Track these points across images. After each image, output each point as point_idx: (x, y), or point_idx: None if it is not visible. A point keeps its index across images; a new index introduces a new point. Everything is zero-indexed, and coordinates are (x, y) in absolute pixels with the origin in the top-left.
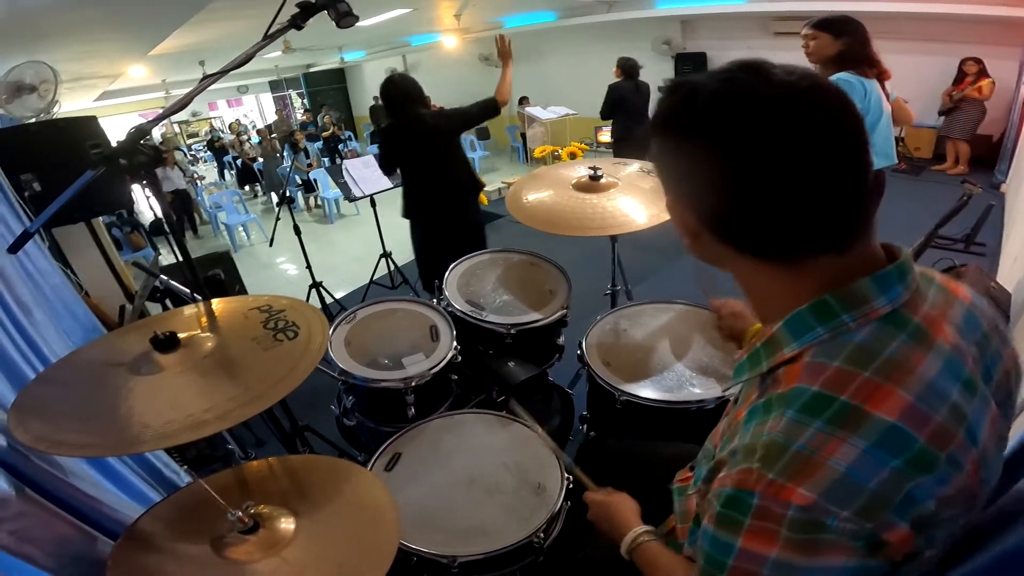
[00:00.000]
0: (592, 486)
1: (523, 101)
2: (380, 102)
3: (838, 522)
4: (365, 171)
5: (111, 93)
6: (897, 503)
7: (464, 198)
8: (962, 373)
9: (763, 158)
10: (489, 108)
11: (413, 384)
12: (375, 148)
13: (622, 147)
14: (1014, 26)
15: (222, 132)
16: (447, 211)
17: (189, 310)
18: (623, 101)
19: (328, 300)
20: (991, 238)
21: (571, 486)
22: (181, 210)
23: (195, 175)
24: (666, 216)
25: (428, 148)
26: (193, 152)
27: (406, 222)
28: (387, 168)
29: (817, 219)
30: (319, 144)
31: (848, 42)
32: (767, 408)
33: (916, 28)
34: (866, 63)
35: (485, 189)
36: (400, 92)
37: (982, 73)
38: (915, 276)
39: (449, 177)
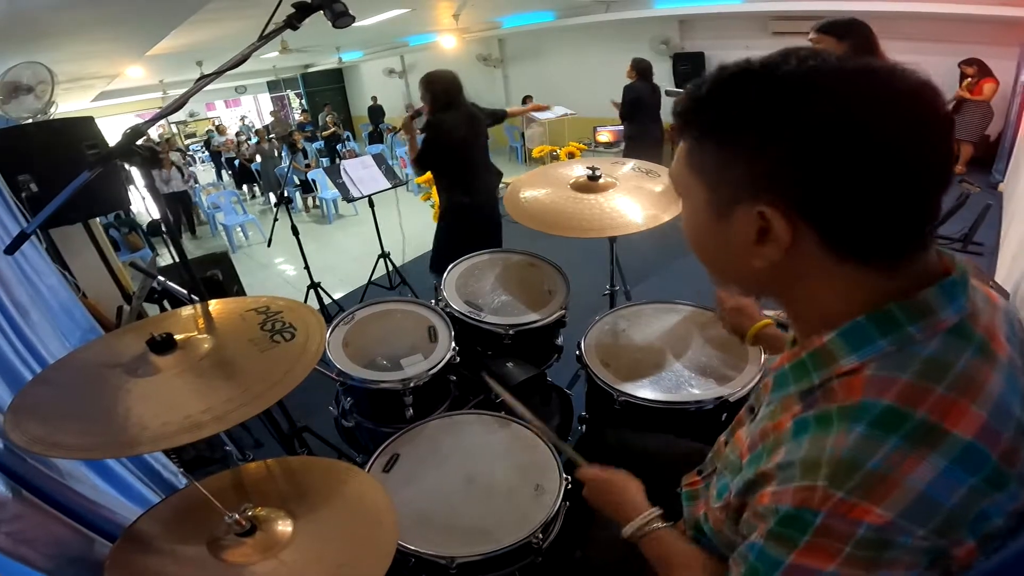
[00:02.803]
0: (583, 462)
1: (526, 100)
2: (426, 96)
3: (913, 540)
4: (363, 171)
5: (108, 93)
6: (971, 520)
7: (496, 190)
8: (1019, 386)
9: (892, 141)
10: (499, 116)
11: (411, 385)
12: (374, 148)
13: (636, 146)
14: (1012, 26)
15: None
16: (492, 202)
17: (186, 311)
18: (640, 101)
19: (327, 301)
20: (989, 237)
21: (570, 486)
22: (179, 211)
23: (193, 176)
24: (664, 218)
25: (478, 138)
26: (191, 153)
27: (405, 223)
28: (428, 164)
29: (926, 211)
30: (319, 144)
31: (852, 45)
32: (823, 422)
33: (913, 28)
34: None
35: None
36: (449, 81)
37: (983, 74)
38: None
39: (490, 168)
